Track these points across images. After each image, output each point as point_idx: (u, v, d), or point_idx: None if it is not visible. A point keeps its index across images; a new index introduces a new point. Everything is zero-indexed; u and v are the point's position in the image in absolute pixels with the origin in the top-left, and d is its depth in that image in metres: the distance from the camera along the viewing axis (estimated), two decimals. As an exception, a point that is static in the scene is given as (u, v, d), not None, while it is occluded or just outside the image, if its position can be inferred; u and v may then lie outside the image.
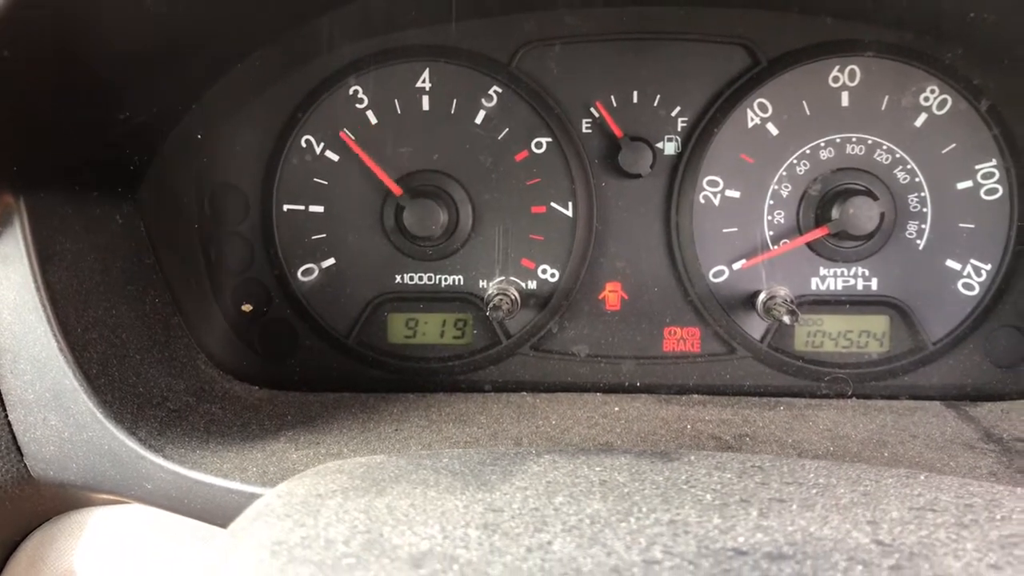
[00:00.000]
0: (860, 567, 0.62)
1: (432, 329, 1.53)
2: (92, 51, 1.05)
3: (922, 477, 0.83)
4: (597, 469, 0.84)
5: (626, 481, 0.80)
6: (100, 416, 1.10)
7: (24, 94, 1.01)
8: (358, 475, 0.84)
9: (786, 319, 1.38)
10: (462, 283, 1.52)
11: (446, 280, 1.52)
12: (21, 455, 1.13)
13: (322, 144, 1.49)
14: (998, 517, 0.72)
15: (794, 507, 0.73)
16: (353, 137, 1.48)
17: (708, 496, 0.76)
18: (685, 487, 0.78)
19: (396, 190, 1.47)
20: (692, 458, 0.87)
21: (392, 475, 0.84)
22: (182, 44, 1.20)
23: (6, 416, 1.12)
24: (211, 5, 1.14)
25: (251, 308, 1.52)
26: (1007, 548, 0.65)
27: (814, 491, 0.78)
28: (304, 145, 1.49)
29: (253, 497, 1.04)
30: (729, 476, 0.81)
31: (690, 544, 0.66)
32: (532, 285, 1.51)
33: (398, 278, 1.52)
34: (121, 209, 1.33)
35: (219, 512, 1.07)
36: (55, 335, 1.10)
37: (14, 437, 1.12)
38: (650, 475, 0.82)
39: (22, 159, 1.08)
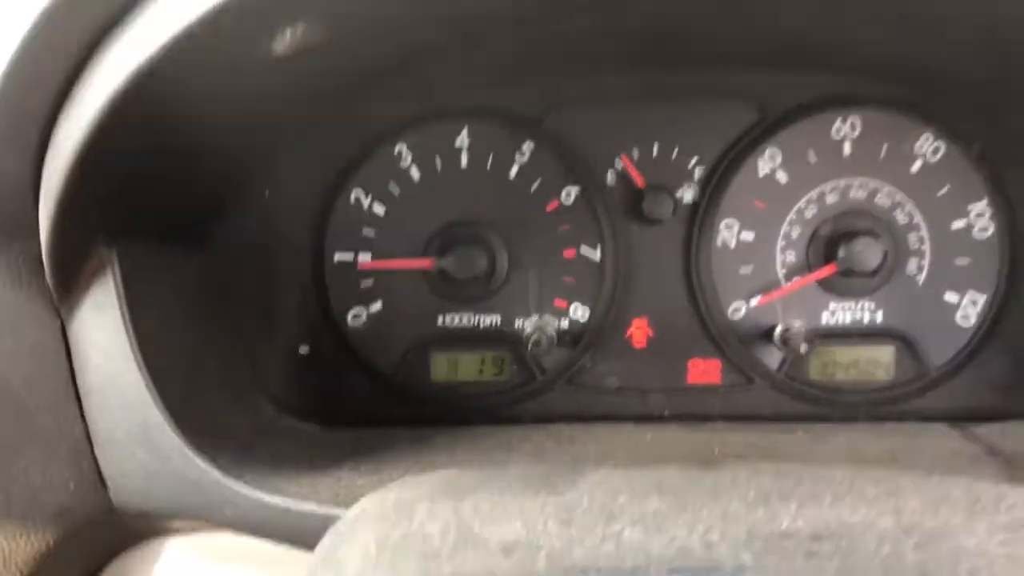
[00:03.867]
0: (889, 543, 0.74)
1: (472, 367, 1.64)
2: (205, 124, 1.17)
3: (935, 479, 0.95)
4: (650, 476, 0.95)
5: (678, 484, 0.91)
6: (186, 448, 1.17)
7: (134, 158, 1.12)
8: (438, 486, 0.95)
9: (803, 348, 1.49)
10: (499, 323, 1.63)
11: (484, 320, 1.64)
12: (105, 488, 1.20)
13: (370, 197, 1.62)
14: (1003, 507, 0.82)
15: (827, 500, 0.84)
16: (397, 192, 1.61)
17: (751, 494, 0.87)
18: (731, 487, 0.89)
19: (427, 264, 1.60)
20: (732, 466, 0.98)
21: (469, 485, 0.94)
22: (275, 113, 1.33)
23: (92, 453, 1.19)
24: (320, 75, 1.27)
25: (308, 350, 1.63)
26: (1012, 530, 0.76)
27: (842, 489, 0.89)
28: (353, 201, 1.62)
29: (329, 517, 1.12)
30: (767, 479, 0.92)
31: (742, 529, 0.77)
32: (565, 324, 1.63)
33: (440, 320, 1.64)
34: (193, 257, 1.43)
35: (297, 532, 1.14)
36: (143, 375, 1.18)
37: (99, 472, 1.20)
38: (698, 479, 0.93)
39: (121, 216, 1.20)
